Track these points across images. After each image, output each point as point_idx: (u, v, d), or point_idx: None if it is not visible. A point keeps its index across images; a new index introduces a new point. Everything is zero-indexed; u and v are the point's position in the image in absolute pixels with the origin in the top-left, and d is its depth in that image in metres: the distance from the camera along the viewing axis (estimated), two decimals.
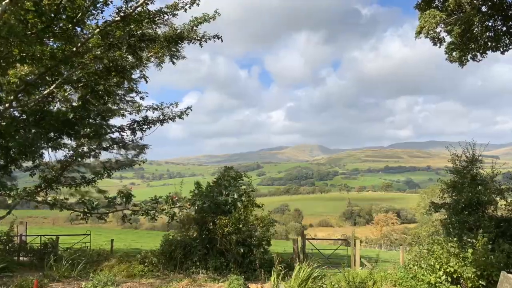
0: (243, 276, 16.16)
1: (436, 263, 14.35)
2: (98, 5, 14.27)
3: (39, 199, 19.37)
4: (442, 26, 18.06)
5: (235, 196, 18.35)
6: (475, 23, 17.66)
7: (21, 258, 20.85)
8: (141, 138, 21.33)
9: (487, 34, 18.37)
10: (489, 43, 18.54)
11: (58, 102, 19.09)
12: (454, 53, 19.18)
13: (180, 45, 18.58)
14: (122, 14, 15.18)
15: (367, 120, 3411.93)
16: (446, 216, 17.18)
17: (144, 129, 20.99)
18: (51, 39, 14.61)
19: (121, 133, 21.00)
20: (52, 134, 18.43)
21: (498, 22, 18.30)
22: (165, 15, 16.50)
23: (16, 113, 17.92)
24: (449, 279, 14.03)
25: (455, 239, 14.64)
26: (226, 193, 18.60)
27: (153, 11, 16.07)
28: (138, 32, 16.46)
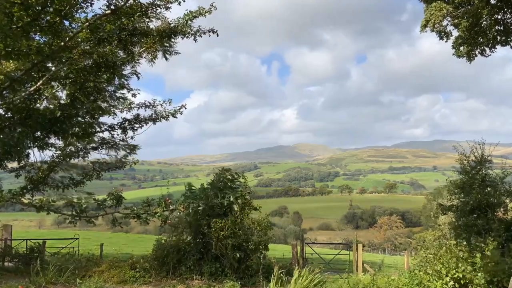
0: (239, 282, 16.17)
1: (443, 269, 14.30)
2: None
3: (25, 201, 19.32)
4: (449, 19, 18.05)
5: (231, 198, 18.33)
6: (484, 16, 17.65)
7: (5, 264, 20.84)
8: (132, 138, 21.34)
9: (496, 27, 18.36)
10: (499, 37, 18.53)
11: (45, 100, 19.06)
12: (461, 48, 19.17)
13: (174, 40, 18.58)
14: (112, 7, 15.14)
15: (385, 118, 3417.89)
16: (454, 219, 17.19)
17: (135, 128, 20.97)
18: (38, 34, 14.60)
19: (111, 132, 20.99)
20: (38, 133, 18.41)
21: (508, 15, 18.28)
22: (158, 8, 16.48)
23: (1, 111, 17.85)
24: (457, 285, 13.98)
25: (463, 243, 14.64)
26: (222, 195, 18.58)
27: (146, 4, 16.06)
28: (130, 26, 16.45)
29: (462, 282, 14.01)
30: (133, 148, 21.88)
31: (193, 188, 19.35)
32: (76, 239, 24.20)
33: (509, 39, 18.44)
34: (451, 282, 14.06)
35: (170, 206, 19.06)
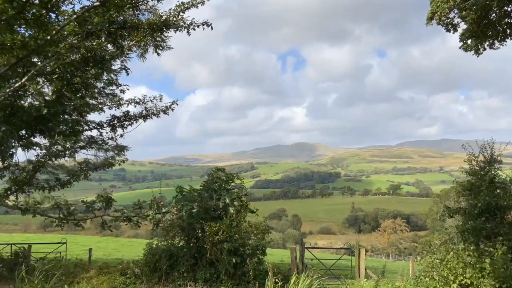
0: None
1: (450, 274, 14.32)
2: None
3: (10, 203, 19.31)
4: (456, 11, 18.07)
5: (227, 200, 18.30)
6: (493, 8, 17.68)
7: None
8: (121, 135, 21.30)
9: (506, 20, 18.39)
10: (508, 30, 18.56)
11: (30, 96, 19.01)
12: (469, 41, 19.20)
13: (166, 34, 18.56)
14: None
15: (400, 116, 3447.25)
16: (461, 222, 17.15)
17: (125, 125, 20.95)
18: (23, 27, 14.56)
19: (100, 130, 20.97)
20: (23, 131, 18.38)
21: None
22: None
23: None
24: None
25: (471, 247, 14.63)
26: (217, 197, 18.55)
27: None
28: (119, 19, 16.43)
29: None
30: (121, 149, 21.85)
31: (184, 190, 19.26)
32: (64, 243, 24.14)
33: None
34: None
35: (163, 208, 19.04)
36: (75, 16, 15.01)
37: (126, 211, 19.55)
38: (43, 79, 18.30)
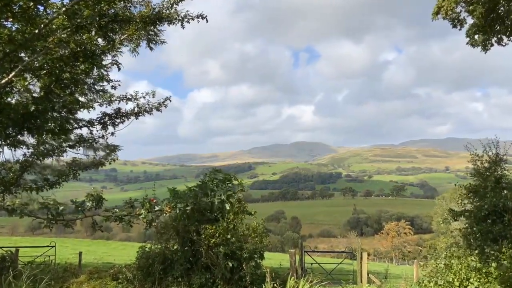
0: None
1: (455, 279, 14.35)
2: None
3: None
4: (463, 5, 18.08)
5: (223, 197, 18.23)
6: (501, 1, 17.68)
7: None
8: (113, 134, 21.28)
9: None
10: None
11: (17, 93, 18.98)
12: (476, 36, 19.21)
13: (159, 27, 18.53)
14: None
15: (412, 113, 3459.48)
16: (467, 225, 17.13)
17: (116, 123, 20.92)
18: (10, 20, 14.54)
19: (90, 128, 20.93)
20: (10, 129, 18.34)
21: None
22: None
23: None
24: None
25: (476, 251, 14.64)
26: (212, 194, 18.50)
27: None
28: (110, 12, 16.40)
29: None
30: (113, 149, 21.83)
31: (177, 193, 19.17)
32: (52, 247, 24.16)
33: None
34: None
35: (156, 206, 18.98)
36: (64, 9, 14.96)
37: (117, 210, 19.50)
38: (31, 75, 18.25)
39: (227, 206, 18.08)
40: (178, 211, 17.87)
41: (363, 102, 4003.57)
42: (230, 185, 19.55)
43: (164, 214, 18.68)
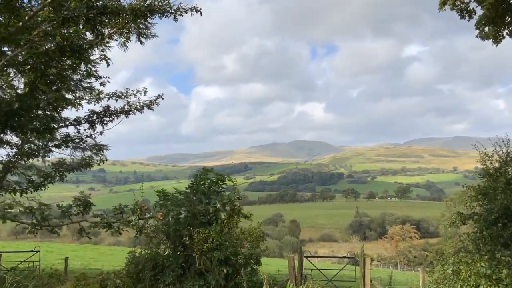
0: None
1: (464, 287, 14.34)
2: None
3: None
4: None
5: (218, 205, 18.21)
6: None
7: None
8: (101, 133, 21.26)
9: None
10: None
11: (0, 90, 18.98)
12: (486, 28, 19.19)
13: (150, 20, 18.51)
14: None
15: (429, 111, 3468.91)
16: (476, 229, 17.09)
17: (105, 121, 20.91)
18: None
19: (77, 127, 20.91)
20: None
21: None
22: None
23: None
24: None
25: (486, 257, 14.64)
26: (207, 201, 18.48)
27: None
28: (99, 3, 16.39)
29: None
30: (100, 149, 21.80)
31: (167, 196, 19.07)
32: (37, 252, 24.16)
33: None
34: None
35: (147, 213, 18.94)
36: (49, 0, 14.98)
37: (106, 216, 19.47)
38: (15, 70, 18.26)
39: (223, 215, 18.00)
40: (170, 218, 17.84)
41: (380, 99, 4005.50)
42: (224, 186, 19.49)
43: (156, 221, 18.64)
